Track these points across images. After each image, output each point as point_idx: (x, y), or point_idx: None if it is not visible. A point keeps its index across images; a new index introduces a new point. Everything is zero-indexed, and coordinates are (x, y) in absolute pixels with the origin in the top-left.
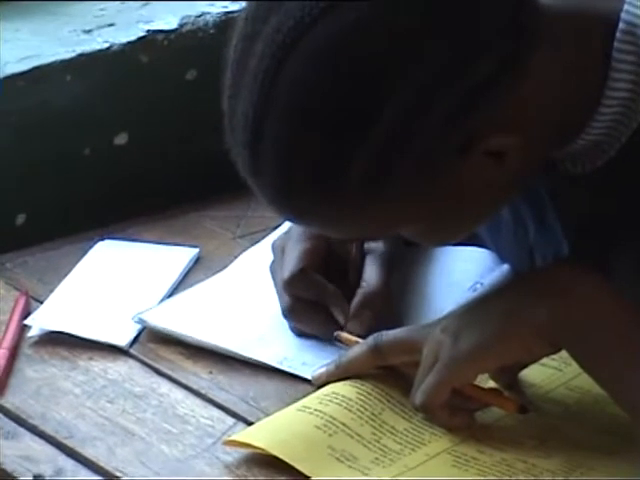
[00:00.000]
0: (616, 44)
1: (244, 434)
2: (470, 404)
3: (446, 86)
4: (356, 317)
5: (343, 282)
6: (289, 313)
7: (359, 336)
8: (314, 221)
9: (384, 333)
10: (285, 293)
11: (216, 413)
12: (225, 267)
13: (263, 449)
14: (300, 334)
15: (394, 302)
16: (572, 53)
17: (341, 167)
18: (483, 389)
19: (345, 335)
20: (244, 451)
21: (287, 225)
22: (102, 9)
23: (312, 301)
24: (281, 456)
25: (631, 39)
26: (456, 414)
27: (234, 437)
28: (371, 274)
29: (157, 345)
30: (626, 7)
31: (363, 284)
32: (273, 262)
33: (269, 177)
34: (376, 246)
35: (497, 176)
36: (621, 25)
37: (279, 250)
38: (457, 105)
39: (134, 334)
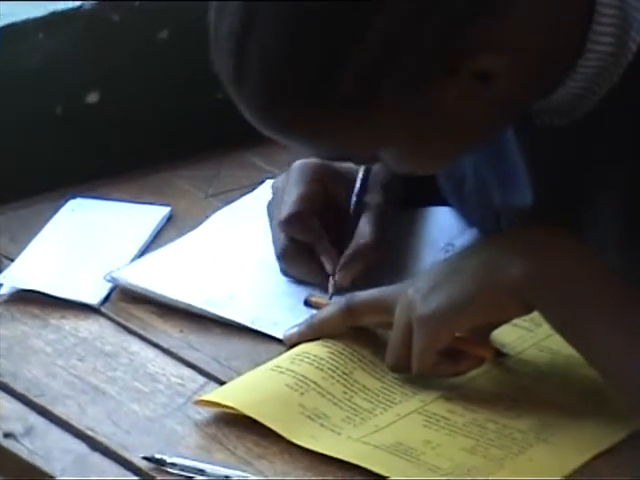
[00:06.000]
0: None
1: (215, 393)
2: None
3: (437, 4)
4: (345, 268)
5: (337, 230)
6: (282, 255)
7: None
8: (296, 134)
9: (356, 294)
10: (280, 233)
11: (187, 372)
12: (196, 226)
13: (234, 408)
14: (290, 277)
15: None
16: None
17: (327, 80)
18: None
19: (315, 299)
20: (215, 410)
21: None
22: None
23: (306, 246)
24: (252, 415)
25: None
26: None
27: (206, 397)
28: (365, 228)
29: (128, 304)
30: None
31: (356, 237)
32: (271, 202)
33: (253, 85)
34: (373, 204)
35: (483, 100)
36: None
37: (279, 191)
38: (448, 24)
39: (105, 293)
